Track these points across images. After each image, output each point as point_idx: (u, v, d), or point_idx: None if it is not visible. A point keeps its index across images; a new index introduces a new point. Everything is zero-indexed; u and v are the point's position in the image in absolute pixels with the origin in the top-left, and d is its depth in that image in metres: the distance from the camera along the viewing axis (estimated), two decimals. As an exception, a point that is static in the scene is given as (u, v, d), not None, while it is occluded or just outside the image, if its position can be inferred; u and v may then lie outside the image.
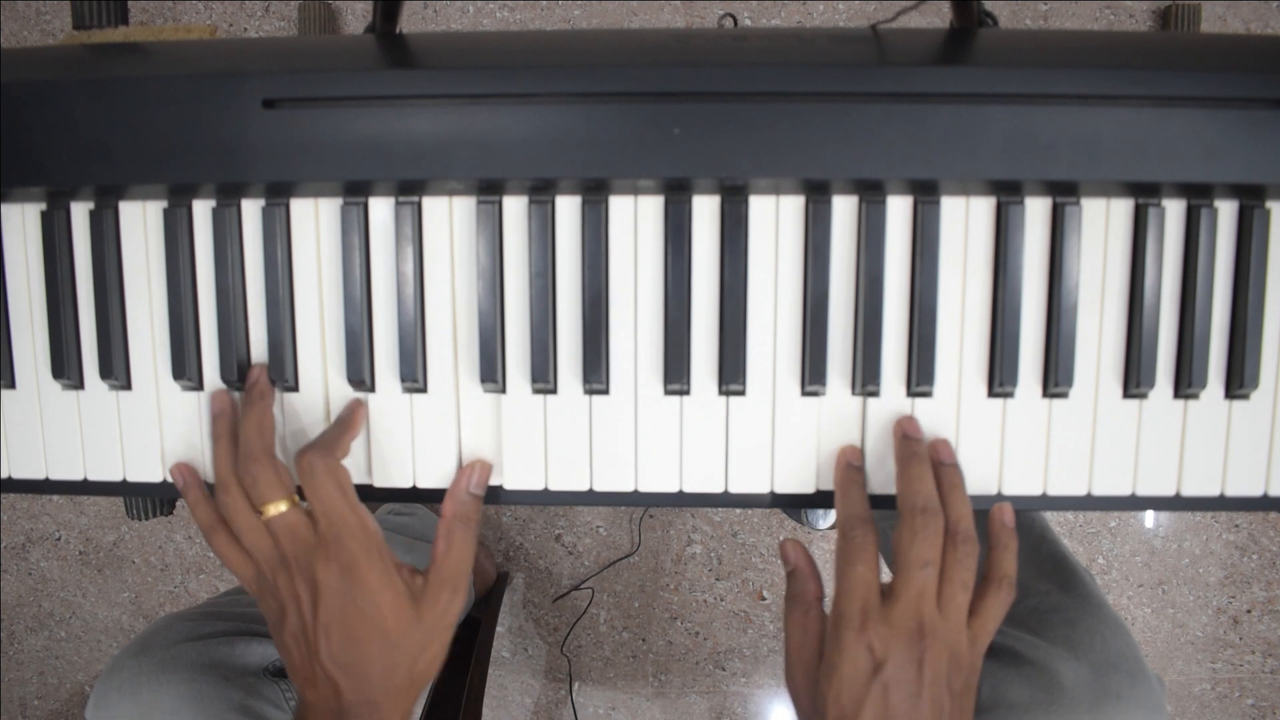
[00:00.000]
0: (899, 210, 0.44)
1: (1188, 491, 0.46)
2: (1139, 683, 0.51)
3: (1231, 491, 0.46)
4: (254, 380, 0.47)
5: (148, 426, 0.48)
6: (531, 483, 0.47)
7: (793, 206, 0.45)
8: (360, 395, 0.47)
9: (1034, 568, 0.62)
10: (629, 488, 0.47)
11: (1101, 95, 0.41)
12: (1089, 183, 0.42)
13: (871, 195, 0.44)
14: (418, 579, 0.45)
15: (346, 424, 0.46)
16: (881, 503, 0.46)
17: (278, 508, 0.43)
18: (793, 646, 0.44)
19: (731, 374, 0.45)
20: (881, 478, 0.46)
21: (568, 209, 0.45)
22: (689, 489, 0.47)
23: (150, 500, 0.57)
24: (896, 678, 0.39)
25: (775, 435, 0.46)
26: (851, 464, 0.45)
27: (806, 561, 0.46)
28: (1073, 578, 0.59)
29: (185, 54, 0.46)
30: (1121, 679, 0.51)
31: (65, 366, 0.47)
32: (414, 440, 0.47)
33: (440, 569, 0.45)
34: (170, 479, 0.48)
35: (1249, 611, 1.19)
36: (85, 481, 0.49)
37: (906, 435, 0.45)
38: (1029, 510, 0.68)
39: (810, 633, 0.44)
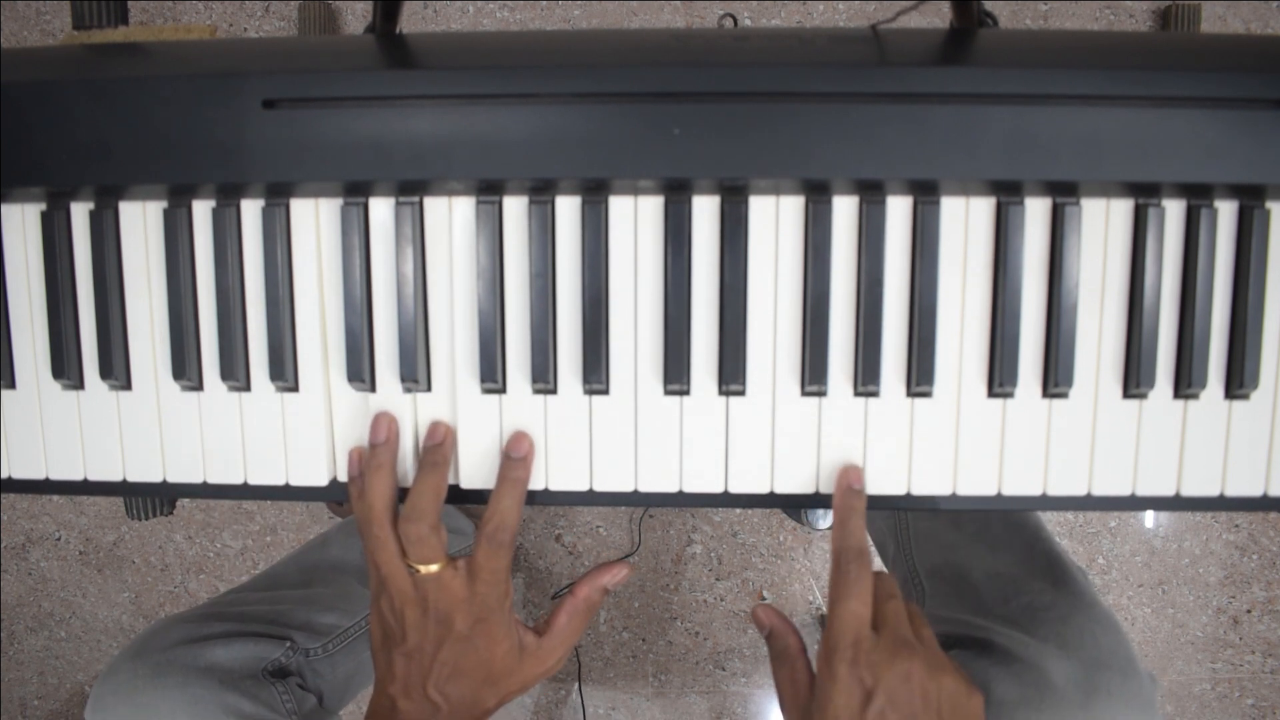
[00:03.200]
0: (899, 210, 0.44)
1: (1188, 491, 0.46)
2: (1130, 680, 0.51)
3: (1231, 491, 0.46)
4: (439, 441, 0.47)
5: (148, 426, 0.48)
6: (532, 483, 0.47)
7: (793, 206, 0.45)
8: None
9: (1027, 566, 0.62)
10: (629, 488, 0.47)
11: (1101, 95, 0.41)
12: (1089, 183, 0.42)
13: (871, 195, 0.44)
14: (530, 637, 0.48)
15: (523, 492, 0.46)
16: (880, 503, 0.46)
17: (429, 569, 0.45)
18: (787, 699, 0.45)
19: (731, 374, 0.45)
20: (881, 480, 0.46)
21: (568, 209, 0.45)
22: (689, 489, 0.47)
23: (150, 500, 0.57)
24: (893, 701, 0.39)
25: (775, 435, 0.46)
26: (853, 487, 0.45)
27: (780, 620, 0.48)
28: (1065, 576, 0.60)
29: (185, 54, 0.46)
30: (1112, 676, 0.51)
31: (65, 366, 0.47)
32: (416, 440, 0.47)
33: (553, 639, 0.48)
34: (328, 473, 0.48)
35: (1249, 611, 1.19)
36: (85, 481, 0.49)
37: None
38: (1027, 510, 0.68)
39: (800, 683, 0.45)
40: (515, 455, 0.46)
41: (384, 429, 0.46)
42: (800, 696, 0.44)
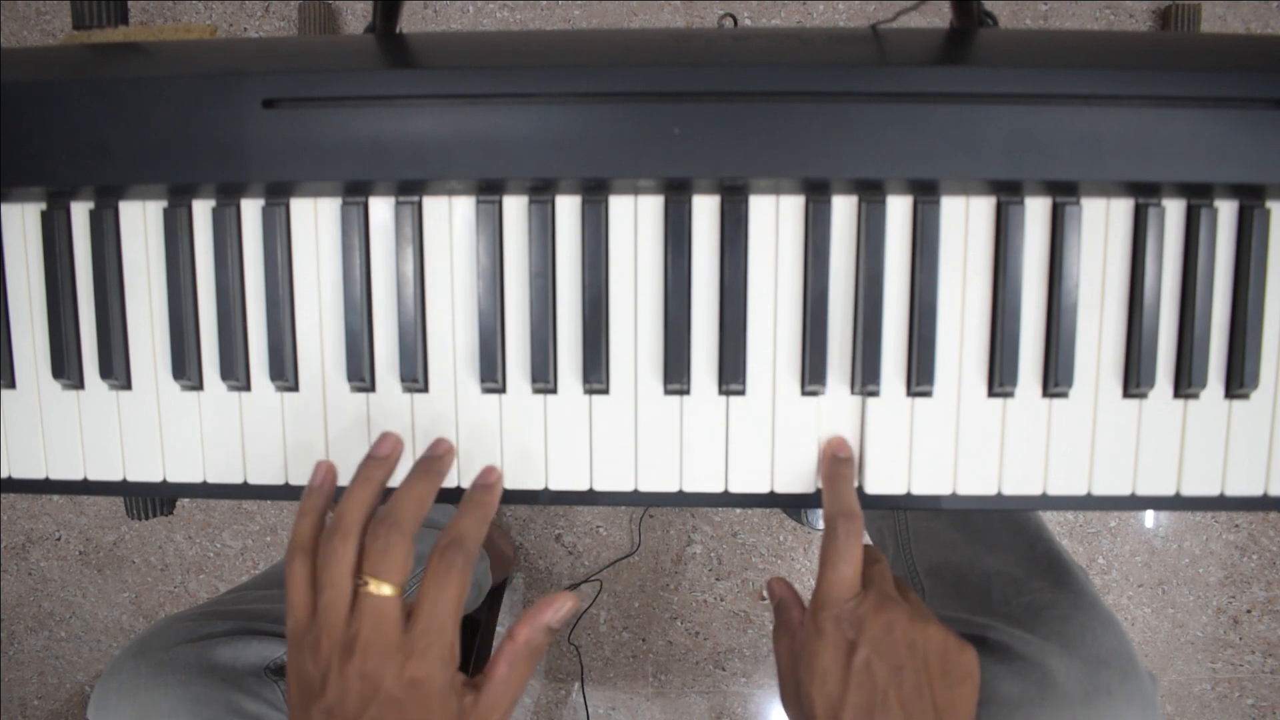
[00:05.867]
0: (899, 210, 0.44)
1: (1188, 491, 0.46)
2: (1130, 678, 0.51)
3: (1231, 491, 0.46)
4: (440, 454, 0.45)
5: (148, 426, 0.48)
6: (532, 483, 0.47)
7: (793, 206, 0.45)
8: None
9: (1028, 565, 0.62)
10: (629, 488, 0.47)
11: (1101, 95, 0.41)
12: (1089, 183, 0.42)
13: (871, 195, 0.44)
14: (469, 698, 0.41)
15: (487, 517, 0.43)
16: (880, 503, 0.46)
17: (381, 589, 0.39)
18: (784, 669, 0.45)
19: (731, 374, 0.45)
20: (881, 479, 0.46)
21: (568, 209, 0.45)
22: (689, 489, 0.47)
23: (150, 500, 0.57)
24: (878, 650, 0.40)
25: (775, 435, 0.46)
26: (838, 455, 0.46)
27: (791, 593, 0.48)
28: (1066, 575, 0.60)
29: (185, 54, 0.46)
30: (1113, 674, 0.51)
31: (65, 366, 0.47)
32: (414, 439, 0.47)
33: (493, 693, 0.41)
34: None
35: (1249, 611, 1.19)
36: (85, 481, 0.49)
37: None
38: (1028, 510, 0.68)
39: (797, 653, 0.45)
40: (484, 483, 0.45)
41: (389, 446, 0.45)
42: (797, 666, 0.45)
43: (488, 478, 0.46)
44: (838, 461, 0.45)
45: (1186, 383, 0.44)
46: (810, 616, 0.43)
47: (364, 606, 0.39)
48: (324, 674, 0.39)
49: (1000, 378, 0.45)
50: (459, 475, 0.47)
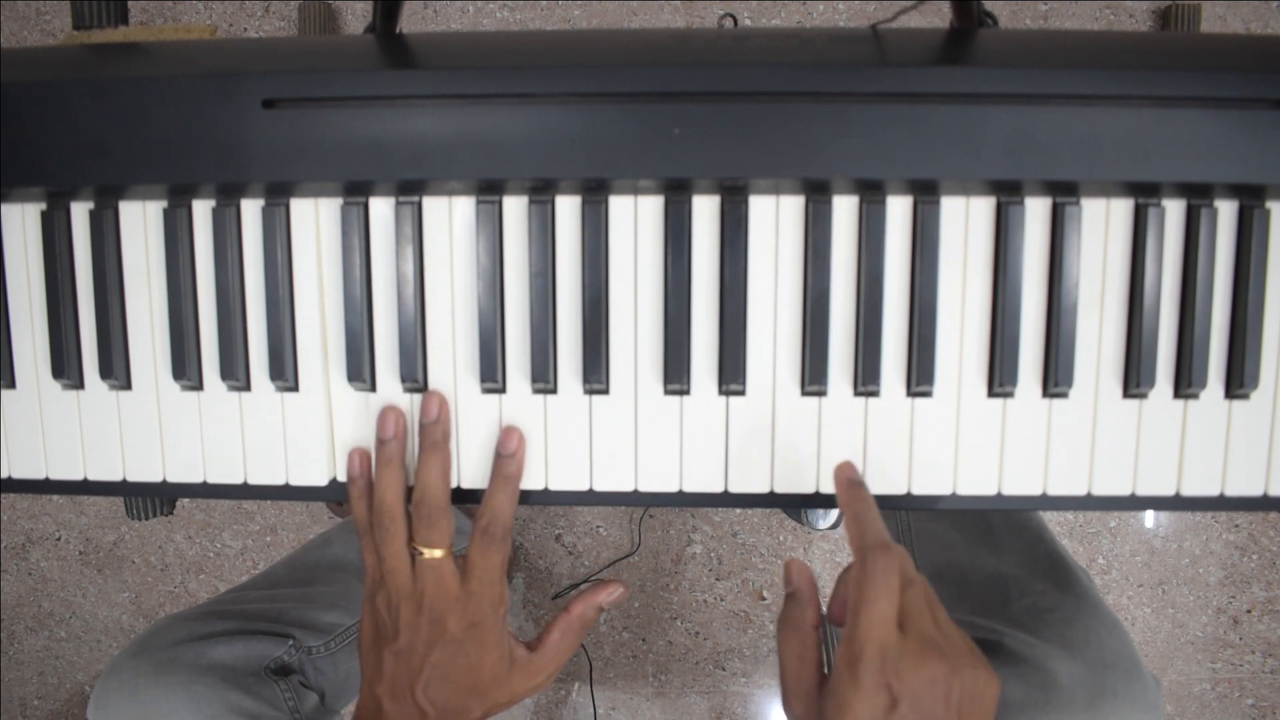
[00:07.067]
0: (899, 210, 0.44)
1: (1188, 491, 0.46)
2: (1135, 681, 0.51)
3: (1231, 491, 0.46)
4: (435, 418, 0.46)
5: (148, 426, 0.48)
6: (532, 483, 0.47)
7: (793, 206, 0.45)
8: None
9: (1031, 567, 0.62)
10: (629, 488, 0.47)
11: (1101, 95, 0.41)
12: (1089, 183, 0.42)
13: (871, 195, 0.44)
14: (521, 650, 0.48)
15: (515, 487, 0.47)
16: (880, 503, 0.46)
17: (434, 554, 0.45)
18: (789, 675, 0.42)
19: (731, 374, 0.45)
20: (881, 480, 0.46)
21: (568, 209, 0.45)
22: (689, 489, 0.47)
23: (150, 500, 0.57)
24: (916, 706, 0.37)
25: (775, 435, 0.46)
26: (853, 480, 0.44)
27: (809, 585, 0.45)
28: (1069, 577, 0.60)
29: (185, 54, 0.46)
30: (1118, 677, 0.51)
31: (65, 366, 0.47)
32: (415, 440, 0.47)
33: (545, 655, 0.49)
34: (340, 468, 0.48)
35: (1249, 611, 1.19)
36: (85, 481, 0.49)
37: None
38: (1028, 510, 0.68)
39: (808, 661, 0.42)
40: (505, 452, 0.47)
41: (391, 424, 0.47)
42: (807, 677, 0.42)
43: (508, 445, 0.47)
44: (854, 486, 0.43)
45: (1186, 383, 0.44)
46: (848, 663, 0.38)
47: (423, 569, 0.45)
48: (395, 622, 0.45)
49: (1000, 378, 0.45)
50: (459, 475, 0.47)
